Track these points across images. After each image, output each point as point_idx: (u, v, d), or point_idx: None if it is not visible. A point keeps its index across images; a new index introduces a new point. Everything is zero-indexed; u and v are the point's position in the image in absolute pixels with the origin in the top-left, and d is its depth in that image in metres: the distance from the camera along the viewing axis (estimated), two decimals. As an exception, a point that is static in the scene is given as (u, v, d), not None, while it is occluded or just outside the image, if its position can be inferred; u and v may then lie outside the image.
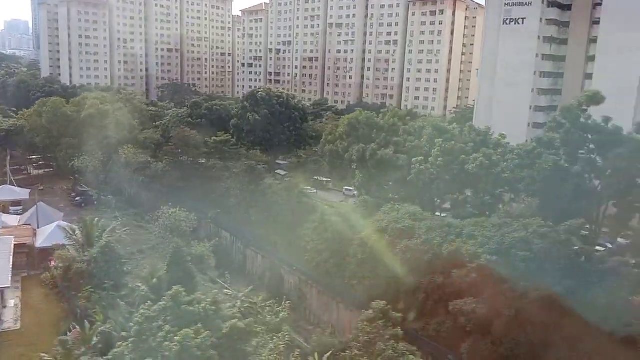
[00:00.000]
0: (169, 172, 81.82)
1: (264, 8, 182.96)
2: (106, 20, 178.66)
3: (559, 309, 35.33)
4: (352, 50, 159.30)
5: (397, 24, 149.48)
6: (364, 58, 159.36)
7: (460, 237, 43.27)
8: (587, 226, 48.12)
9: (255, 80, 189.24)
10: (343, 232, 52.75)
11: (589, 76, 76.51)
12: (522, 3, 79.41)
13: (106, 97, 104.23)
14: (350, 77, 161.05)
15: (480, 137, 60.64)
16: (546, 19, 79.55)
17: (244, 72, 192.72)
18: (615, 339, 33.68)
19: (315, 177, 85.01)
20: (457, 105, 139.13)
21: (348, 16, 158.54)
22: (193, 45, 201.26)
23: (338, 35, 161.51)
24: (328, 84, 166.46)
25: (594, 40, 76.37)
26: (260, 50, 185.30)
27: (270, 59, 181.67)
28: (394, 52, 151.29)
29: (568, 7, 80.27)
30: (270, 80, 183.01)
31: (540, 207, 48.95)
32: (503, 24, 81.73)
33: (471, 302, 37.22)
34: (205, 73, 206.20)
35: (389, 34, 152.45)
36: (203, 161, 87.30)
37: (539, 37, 79.41)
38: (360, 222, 52.66)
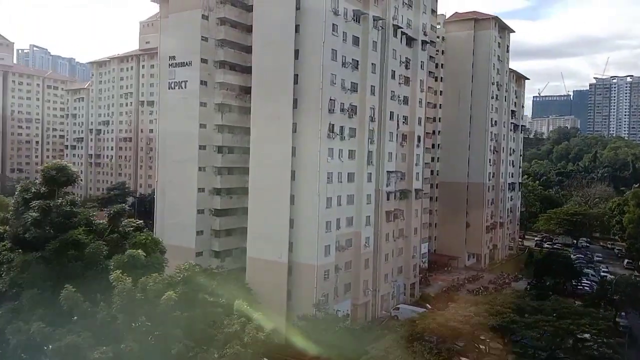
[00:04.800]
0: None
1: (86, 86, 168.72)
2: None
3: None
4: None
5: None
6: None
7: None
8: None
9: (78, 164, 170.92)
10: None
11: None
12: (184, 63, 65.34)
13: None
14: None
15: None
16: (217, 83, 65.32)
17: (67, 154, 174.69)
18: None
19: None
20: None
21: (156, 94, 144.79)
22: (20, 127, 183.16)
23: (150, 114, 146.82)
24: (141, 166, 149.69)
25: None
26: (82, 131, 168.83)
27: (91, 140, 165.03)
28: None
29: (248, 70, 66.54)
30: (91, 164, 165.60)
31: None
32: (169, 88, 67.22)
33: None
34: (36, 157, 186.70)
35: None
36: None
37: (203, 104, 64.74)
38: None
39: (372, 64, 62.86)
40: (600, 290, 64.79)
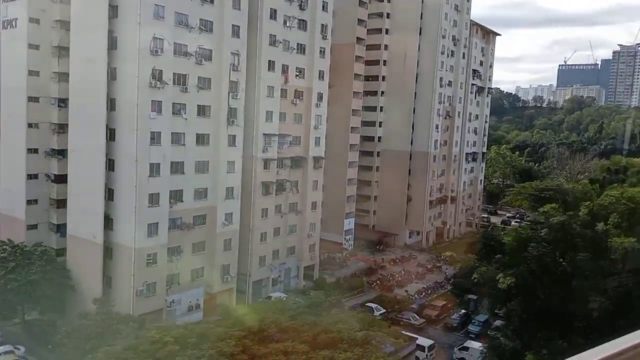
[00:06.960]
0: None
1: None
2: None
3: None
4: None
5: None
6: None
7: None
8: None
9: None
10: None
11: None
12: (13, -4, 54.02)
13: None
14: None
15: None
16: (56, 21, 53.64)
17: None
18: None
19: None
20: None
21: None
22: None
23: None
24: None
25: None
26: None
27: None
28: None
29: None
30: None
31: None
32: (2, 28, 56.03)
33: None
34: None
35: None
36: None
37: (34, 47, 53.45)
38: None
39: (235, -3, 50.43)
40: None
